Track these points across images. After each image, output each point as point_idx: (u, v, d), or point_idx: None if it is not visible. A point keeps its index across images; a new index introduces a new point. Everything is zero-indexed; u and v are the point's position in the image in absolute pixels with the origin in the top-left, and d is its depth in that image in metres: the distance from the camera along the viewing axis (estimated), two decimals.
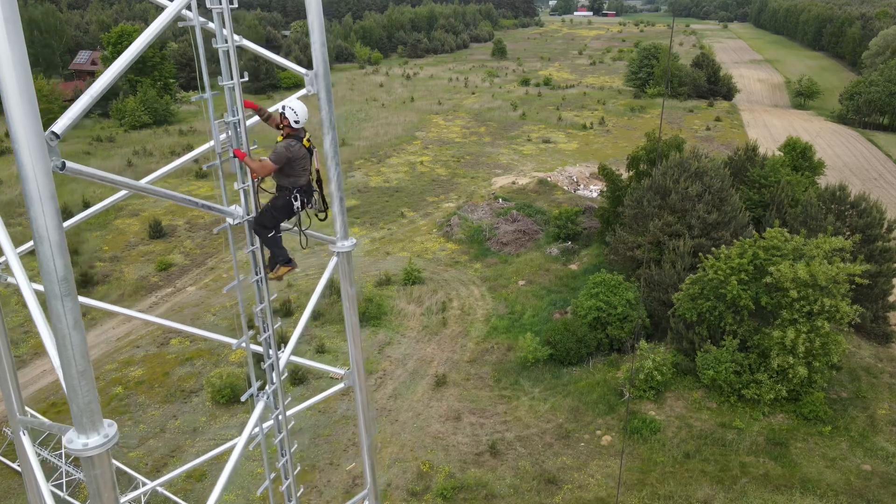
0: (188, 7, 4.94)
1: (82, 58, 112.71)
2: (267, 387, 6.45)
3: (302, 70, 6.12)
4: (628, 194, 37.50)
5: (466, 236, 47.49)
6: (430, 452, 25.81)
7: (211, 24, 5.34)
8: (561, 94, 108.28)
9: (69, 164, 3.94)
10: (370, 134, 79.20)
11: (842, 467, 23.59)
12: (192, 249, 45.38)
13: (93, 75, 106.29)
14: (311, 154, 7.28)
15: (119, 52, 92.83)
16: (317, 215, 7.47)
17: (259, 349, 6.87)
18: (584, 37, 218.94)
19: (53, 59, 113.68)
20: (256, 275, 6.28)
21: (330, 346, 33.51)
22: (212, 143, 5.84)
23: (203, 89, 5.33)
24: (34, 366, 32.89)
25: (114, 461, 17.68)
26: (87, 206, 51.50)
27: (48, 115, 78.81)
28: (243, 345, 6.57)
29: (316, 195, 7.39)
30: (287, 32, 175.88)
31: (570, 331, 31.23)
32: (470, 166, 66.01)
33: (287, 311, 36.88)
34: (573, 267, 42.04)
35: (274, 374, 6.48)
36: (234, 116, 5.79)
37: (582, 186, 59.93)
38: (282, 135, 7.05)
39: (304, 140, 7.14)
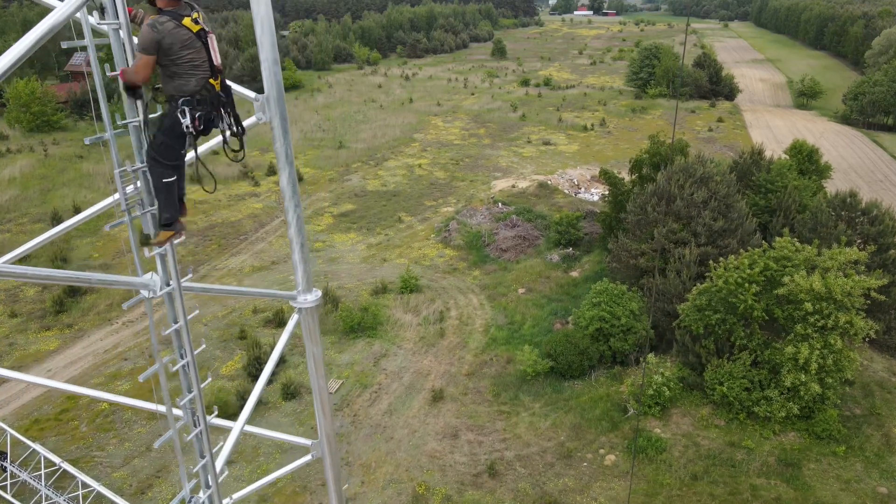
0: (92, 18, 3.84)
1: (77, 59, 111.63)
2: (201, 492, 5.32)
3: (251, 94, 4.93)
4: (631, 200, 36.41)
5: (465, 242, 46.40)
6: (426, 473, 24.75)
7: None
8: (561, 94, 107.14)
9: None
10: (368, 136, 78.09)
11: (857, 490, 22.52)
12: (183, 257, 44.27)
13: (88, 77, 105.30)
14: (205, 44, 4.96)
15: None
16: (226, 153, 5.22)
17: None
18: (585, 36, 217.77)
19: (48, 61, 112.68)
20: (182, 358, 5.07)
21: (324, 359, 32.39)
22: (116, 196, 4.74)
23: (102, 126, 4.21)
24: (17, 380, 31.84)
25: (95, 484, 16.05)
26: (77, 211, 50.44)
27: (42, 118, 77.79)
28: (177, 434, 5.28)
29: (223, 112, 5.02)
30: (286, 32, 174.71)
31: (571, 343, 30.15)
32: (469, 169, 64.91)
33: (280, 321, 35.82)
34: (574, 274, 40.95)
35: (210, 477, 5.39)
36: (142, 163, 4.64)
37: (583, 189, 58.81)
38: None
39: (189, 19, 4.86)
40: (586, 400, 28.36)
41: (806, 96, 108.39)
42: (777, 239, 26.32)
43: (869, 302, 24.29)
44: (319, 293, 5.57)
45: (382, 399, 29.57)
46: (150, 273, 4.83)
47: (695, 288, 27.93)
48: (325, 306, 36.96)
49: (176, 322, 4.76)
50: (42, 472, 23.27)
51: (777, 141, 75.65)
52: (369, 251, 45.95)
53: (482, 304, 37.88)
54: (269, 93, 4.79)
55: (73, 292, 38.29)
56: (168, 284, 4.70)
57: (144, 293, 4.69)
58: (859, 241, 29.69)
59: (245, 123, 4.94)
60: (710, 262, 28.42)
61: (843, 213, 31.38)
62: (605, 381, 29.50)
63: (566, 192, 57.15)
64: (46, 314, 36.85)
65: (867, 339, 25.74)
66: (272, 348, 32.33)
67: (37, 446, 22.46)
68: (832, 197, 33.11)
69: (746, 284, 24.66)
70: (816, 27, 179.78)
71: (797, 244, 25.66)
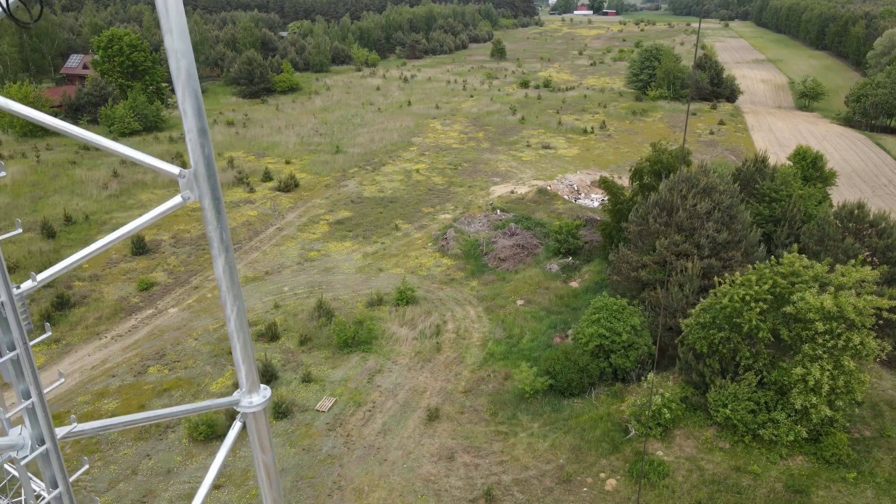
0: None
1: (73, 62, 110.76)
2: None
3: (174, 169, 3.96)
4: (633, 210, 35.50)
5: (463, 251, 45.50)
6: (420, 498, 23.88)
7: None
8: (561, 96, 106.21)
9: None
10: (365, 140, 77.17)
11: None
12: (175, 267, 43.40)
13: (83, 80, 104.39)
14: None
15: (109, 56, 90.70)
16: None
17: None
18: (585, 36, 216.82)
19: (44, 64, 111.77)
20: None
21: (317, 375, 31.58)
22: None
23: None
24: None
25: None
26: (68, 219, 49.58)
27: (35, 122, 77.02)
28: None
29: None
30: (284, 34, 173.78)
31: (570, 360, 29.26)
32: (467, 174, 63.99)
33: (273, 335, 34.93)
34: (574, 284, 40.05)
35: None
36: None
37: (583, 195, 57.89)
38: None
39: None
40: (586, 420, 27.49)
41: (808, 97, 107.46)
42: (785, 255, 25.41)
43: (881, 321, 23.41)
44: (269, 392, 4.69)
45: (376, 418, 28.70)
46: (19, 428, 3.91)
47: (699, 305, 27.06)
48: (318, 319, 36.11)
49: (55, 487, 3.77)
50: (22, 498, 22.45)
51: (779, 144, 74.77)
52: (365, 260, 45.06)
53: (480, 316, 36.99)
54: (197, 168, 3.91)
55: (61, 305, 37.43)
56: (41, 442, 3.74)
57: (13, 454, 3.74)
58: (867, 253, 28.81)
59: (169, 204, 4.05)
60: (715, 276, 27.53)
61: (850, 224, 30.48)
62: (606, 400, 28.62)
63: (566, 197, 56.25)
64: (33, 328, 35.94)
65: (876, 358, 24.84)
66: (264, 364, 31.49)
67: (16, 470, 21.59)
68: (839, 208, 32.18)
69: (752, 303, 23.74)
70: (818, 27, 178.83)
71: (805, 260, 24.75)
